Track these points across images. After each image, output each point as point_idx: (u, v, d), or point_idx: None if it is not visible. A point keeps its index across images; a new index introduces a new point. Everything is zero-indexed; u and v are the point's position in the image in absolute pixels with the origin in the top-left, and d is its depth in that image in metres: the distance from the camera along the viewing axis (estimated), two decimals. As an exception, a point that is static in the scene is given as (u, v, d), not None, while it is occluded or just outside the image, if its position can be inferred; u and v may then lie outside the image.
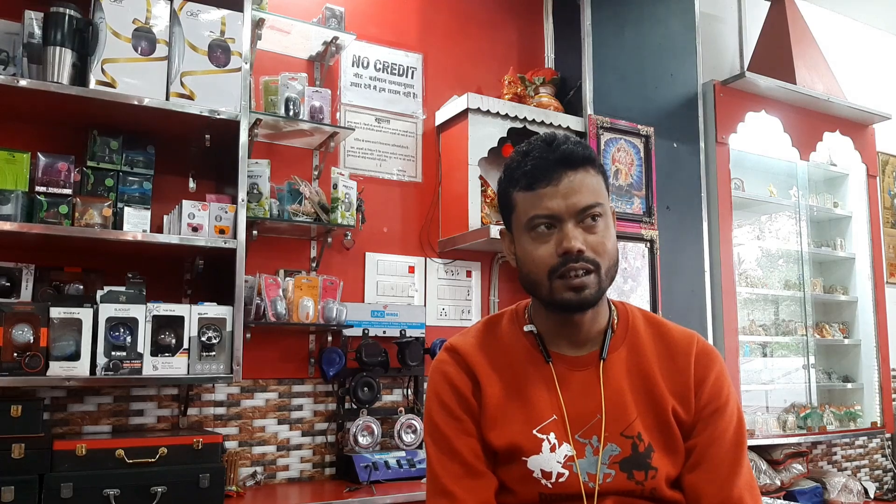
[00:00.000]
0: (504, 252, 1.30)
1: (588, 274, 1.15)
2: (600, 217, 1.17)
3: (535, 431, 1.17)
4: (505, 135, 3.07)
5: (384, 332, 2.90)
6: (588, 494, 1.15)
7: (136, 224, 2.24)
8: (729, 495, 1.15)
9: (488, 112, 3.01)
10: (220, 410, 2.61)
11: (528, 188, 1.18)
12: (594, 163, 1.19)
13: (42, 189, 2.16)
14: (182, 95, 2.29)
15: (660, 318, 1.32)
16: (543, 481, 1.16)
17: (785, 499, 3.44)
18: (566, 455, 1.16)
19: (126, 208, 2.26)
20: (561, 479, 1.15)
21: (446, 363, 1.26)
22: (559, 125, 3.16)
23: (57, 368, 2.05)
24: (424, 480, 2.58)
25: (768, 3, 4.13)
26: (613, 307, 1.28)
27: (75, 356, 2.07)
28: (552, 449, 1.16)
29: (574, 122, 3.22)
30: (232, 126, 2.36)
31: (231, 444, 2.59)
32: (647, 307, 2.71)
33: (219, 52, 2.36)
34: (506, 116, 3.06)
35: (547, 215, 1.16)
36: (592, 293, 1.16)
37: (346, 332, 2.80)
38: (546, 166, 1.16)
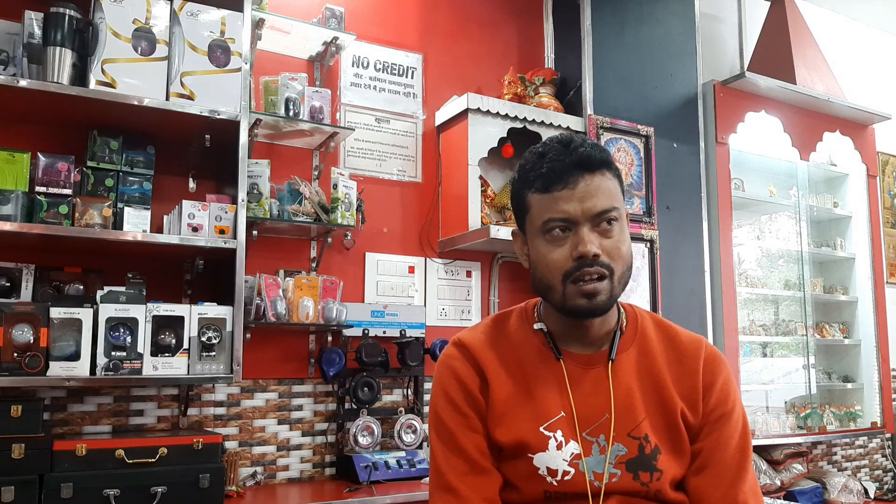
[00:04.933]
0: (516, 252, 1.29)
1: (601, 280, 1.14)
2: (616, 221, 1.16)
3: (541, 429, 1.17)
4: (505, 135, 3.07)
5: (384, 332, 2.90)
6: (594, 494, 1.15)
7: (136, 224, 2.24)
8: (734, 500, 1.16)
9: (488, 112, 3.01)
10: (220, 410, 2.61)
11: (543, 190, 1.17)
12: (611, 166, 1.19)
13: (42, 189, 2.15)
14: (182, 95, 2.29)
15: (668, 321, 1.32)
16: (549, 479, 1.16)
17: (785, 499, 3.44)
18: (573, 453, 1.16)
19: (126, 208, 2.26)
20: (567, 478, 1.15)
21: (454, 358, 1.25)
22: (559, 125, 3.16)
23: (57, 368, 2.05)
24: (424, 481, 2.59)
25: (768, 3, 4.13)
26: (622, 309, 1.28)
27: (75, 356, 2.07)
28: (559, 447, 1.16)
29: (574, 122, 3.22)
30: (232, 126, 2.36)
31: (231, 444, 2.59)
32: (647, 307, 2.71)
33: (219, 52, 2.36)
34: (506, 116, 3.06)
35: (563, 218, 1.15)
36: (604, 300, 1.16)
37: (346, 332, 2.80)
38: (563, 169, 1.15)
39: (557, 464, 1.16)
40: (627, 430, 1.18)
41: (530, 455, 1.17)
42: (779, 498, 3.39)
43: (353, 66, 3.06)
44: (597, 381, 1.21)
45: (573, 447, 1.16)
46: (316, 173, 2.90)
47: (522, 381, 1.22)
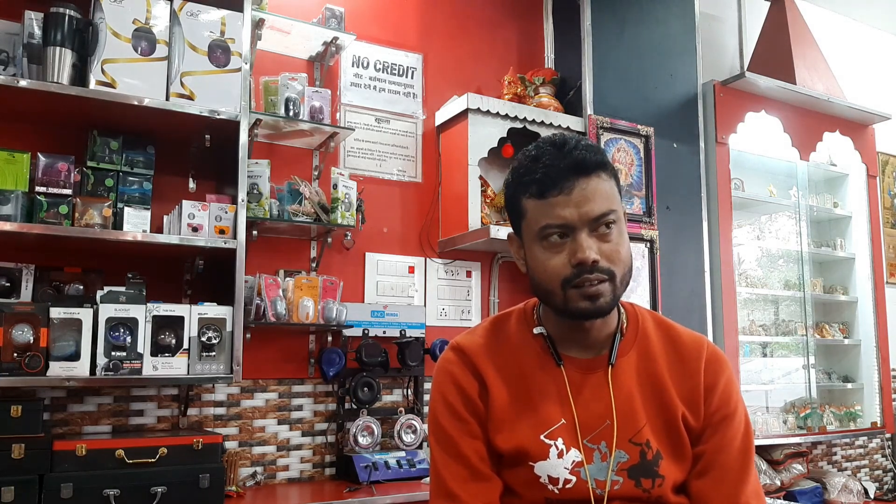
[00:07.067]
0: (513, 256, 1.26)
1: (603, 283, 1.12)
2: (614, 224, 1.14)
3: (542, 437, 1.16)
4: (505, 135, 3.07)
5: (384, 332, 2.90)
6: (596, 501, 1.13)
7: (136, 224, 2.24)
8: (737, 502, 1.15)
9: (488, 112, 3.01)
10: (220, 410, 2.61)
11: (539, 196, 1.14)
12: (607, 167, 1.16)
13: (42, 189, 2.16)
14: (182, 95, 2.29)
15: (669, 320, 1.30)
16: (550, 487, 1.14)
17: (785, 499, 3.44)
18: (574, 461, 1.15)
19: (126, 208, 2.26)
20: (568, 485, 1.14)
21: (452, 363, 1.23)
22: (559, 125, 3.16)
23: (57, 368, 2.05)
24: (424, 481, 2.59)
25: (768, 3, 4.13)
26: (623, 310, 1.26)
27: (75, 356, 2.07)
28: (560, 455, 1.15)
29: (574, 123, 3.21)
30: (232, 126, 2.36)
31: (231, 445, 2.59)
32: (647, 307, 2.71)
33: (219, 53, 2.36)
34: (506, 117, 3.06)
35: (559, 225, 1.12)
36: (607, 301, 1.14)
37: (346, 332, 2.80)
38: (557, 174, 1.12)
39: (559, 472, 1.14)
40: (629, 436, 1.16)
41: (531, 463, 1.15)
42: (779, 498, 3.39)
43: (353, 66, 3.06)
44: (597, 386, 1.19)
45: (574, 455, 1.15)
46: (316, 173, 2.90)
47: (522, 387, 1.20)
